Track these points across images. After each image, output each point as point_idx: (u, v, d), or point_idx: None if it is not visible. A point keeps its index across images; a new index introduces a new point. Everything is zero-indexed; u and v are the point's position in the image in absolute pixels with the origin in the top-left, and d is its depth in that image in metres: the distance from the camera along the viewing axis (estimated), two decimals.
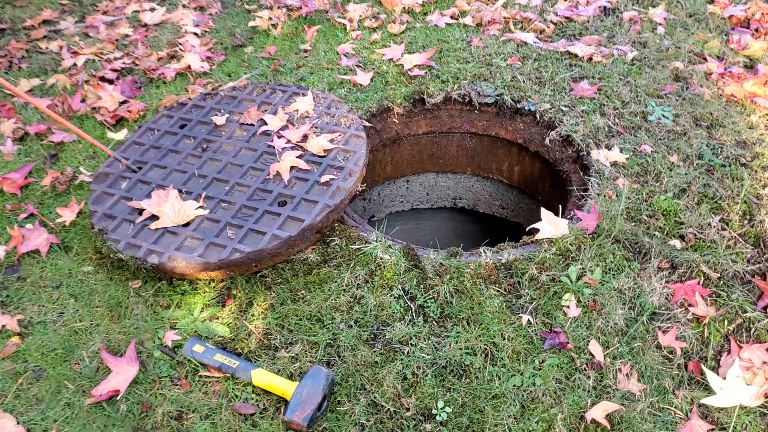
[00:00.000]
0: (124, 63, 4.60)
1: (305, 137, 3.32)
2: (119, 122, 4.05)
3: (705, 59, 4.37)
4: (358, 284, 2.90)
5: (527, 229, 3.10)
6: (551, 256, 2.96)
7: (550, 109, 3.81)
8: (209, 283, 3.00)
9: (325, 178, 3.07)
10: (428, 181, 4.43)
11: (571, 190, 3.43)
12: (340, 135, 3.33)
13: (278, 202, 3.03)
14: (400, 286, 2.88)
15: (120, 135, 3.84)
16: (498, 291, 2.86)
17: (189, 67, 4.41)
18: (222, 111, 3.62)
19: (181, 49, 4.72)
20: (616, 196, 3.25)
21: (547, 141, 3.70)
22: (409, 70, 4.11)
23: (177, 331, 2.85)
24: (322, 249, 3.06)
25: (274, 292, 2.92)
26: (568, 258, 2.96)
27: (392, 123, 3.90)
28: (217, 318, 2.88)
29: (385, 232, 4.85)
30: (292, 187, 3.09)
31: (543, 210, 3.10)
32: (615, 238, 3.04)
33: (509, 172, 4.18)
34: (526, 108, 3.81)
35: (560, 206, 3.76)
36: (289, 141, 3.31)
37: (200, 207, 3.04)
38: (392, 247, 3.03)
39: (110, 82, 4.38)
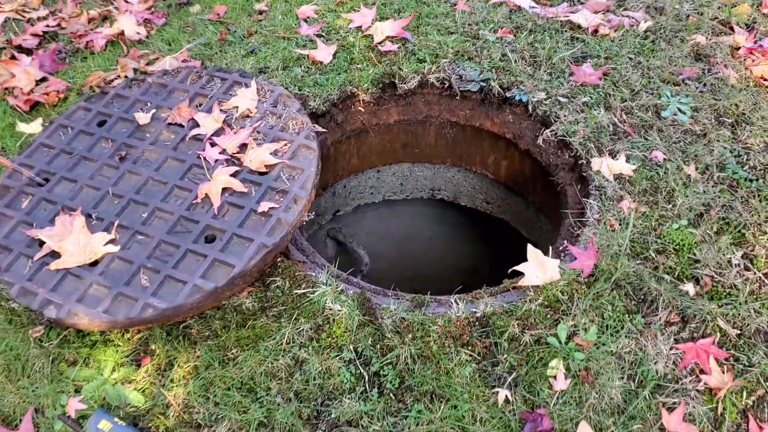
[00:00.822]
0: (48, 26, 3.91)
1: (243, 147, 2.71)
2: (34, 108, 3.41)
3: (732, 29, 3.69)
4: (302, 342, 2.39)
5: (509, 271, 2.56)
6: (537, 309, 2.43)
7: (546, 99, 3.18)
8: (123, 333, 2.48)
9: (264, 206, 2.50)
10: (402, 171, 3.85)
11: (564, 212, 2.86)
12: (286, 145, 2.72)
13: (205, 237, 2.47)
14: (351, 347, 2.37)
15: (33, 127, 3.22)
16: (470, 355, 2.35)
17: (122, 33, 3.72)
18: (149, 104, 2.99)
19: (115, 8, 4.00)
20: (620, 224, 2.69)
21: (540, 141, 3.09)
22: (380, 43, 3.44)
23: (83, 397, 2.35)
24: (261, 292, 2.53)
25: (199, 349, 2.40)
26: (558, 311, 2.43)
27: (357, 112, 3.27)
28: (131, 381, 2.38)
29: (353, 227, 4.31)
30: (223, 217, 2.51)
31: (529, 248, 2.55)
32: (616, 282, 2.51)
33: (495, 167, 3.59)
34: (517, 97, 3.18)
35: (548, 216, 3.21)
36: (223, 151, 2.71)
37: (111, 242, 2.47)
38: (345, 293, 2.49)
39: (29, 52, 3.70)
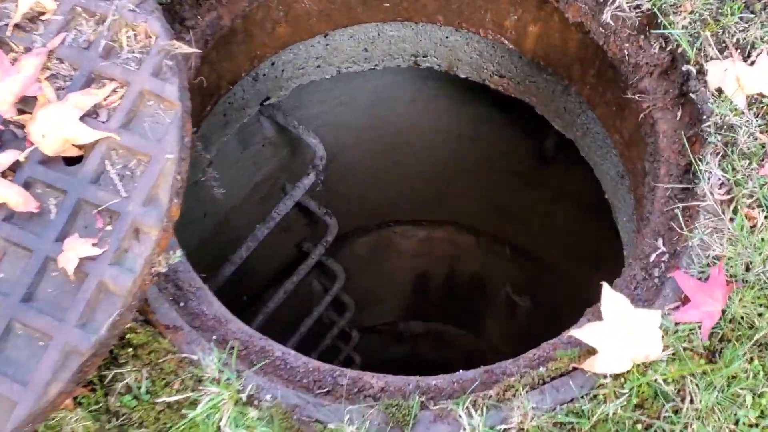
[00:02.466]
0: None
1: (29, 100, 1.33)
2: None
3: None
4: None
5: (569, 332, 1.37)
6: (621, 415, 1.30)
7: None
8: None
9: (71, 252, 1.21)
10: (366, 33, 2.39)
11: (652, 165, 1.58)
12: (116, 91, 1.34)
13: None
14: None
15: None
16: None
17: None
18: None
19: None
20: (766, 217, 1.44)
21: (606, 17, 1.68)
22: None
23: None
24: (98, 399, 1.36)
25: None
26: (660, 417, 1.31)
27: None
28: None
29: (297, 117, 2.92)
30: None
31: (605, 292, 1.33)
32: (762, 345, 1.35)
33: (518, 33, 2.17)
34: None
35: (602, 119, 1.94)
36: None
37: None
38: (258, 399, 1.32)
39: None
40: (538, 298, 4.38)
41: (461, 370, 1.40)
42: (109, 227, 1.26)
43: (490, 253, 4.24)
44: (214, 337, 1.40)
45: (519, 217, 3.82)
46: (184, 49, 1.38)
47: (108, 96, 1.35)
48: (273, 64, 2.37)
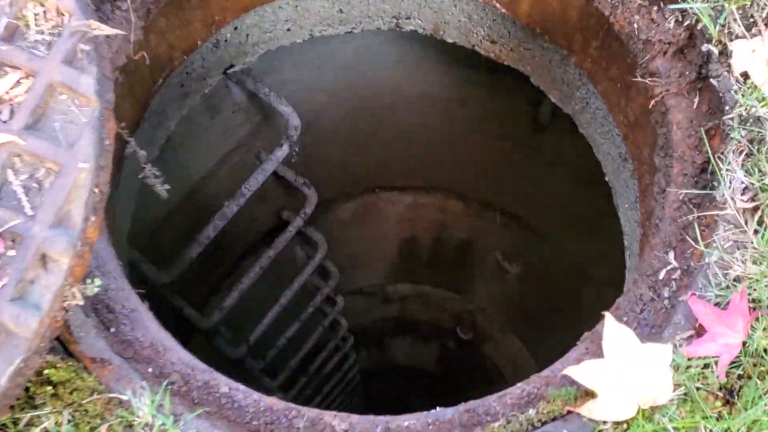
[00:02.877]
0: None
1: None
2: None
3: None
4: None
5: (564, 370, 1.17)
6: None
7: None
8: None
9: None
10: None
11: (664, 161, 1.37)
12: (21, 82, 1.11)
13: None
14: None
15: None
16: None
17: None
18: None
19: None
20: None
21: None
22: None
23: None
24: None
25: None
26: None
27: None
28: None
29: (272, 84, 2.65)
30: None
31: (608, 320, 1.13)
32: None
33: None
34: None
35: (605, 96, 1.74)
36: None
37: None
38: None
39: None
40: (529, 265, 4.21)
41: (438, 408, 1.21)
42: (11, 253, 1.04)
43: (479, 220, 4.04)
44: (150, 370, 1.20)
45: (510, 183, 3.60)
46: (104, 30, 1.13)
47: (11, 88, 1.11)
48: (236, 28, 2.10)
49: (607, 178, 2.17)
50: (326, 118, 3.18)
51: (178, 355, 1.23)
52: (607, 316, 1.15)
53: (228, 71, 2.25)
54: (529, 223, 3.85)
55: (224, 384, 1.21)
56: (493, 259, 4.38)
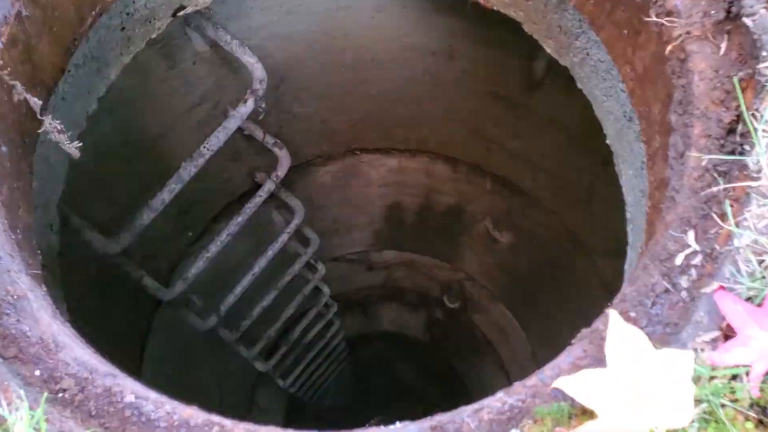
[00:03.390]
0: None
1: None
2: None
3: None
4: None
5: (555, 381, 0.93)
6: None
7: None
8: None
9: None
10: None
11: (681, 134, 1.11)
12: None
13: None
14: None
15: None
16: None
17: None
18: None
19: None
20: None
21: None
22: None
23: None
24: None
25: None
26: None
27: None
28: None
29: (239, 31, 2.35)
30: None
31: (612, 317, 0.88)
32: None
33: None
34: None
35: (611, 45, 1.49)
36: None
37: None
38: None
39: None
40: (521, 233, 3.98)
41: (399, 423, 0.97)
42: None
43: (468, 185, 3.78)
44: (38, 373, 0.96)
45: (502, 145, 3.34)
46: None
47: None
48: None
49: (608, 141, 1.91)
50: (302, 70, 2.89)
51: (73, 354, 0.99)
52: (613, 314, 0.91)
53: (179, 14, 1.96)
54: (521, 189, 3.60)
55: (130, 391, 0.96)
56: (482, 227, 4.15)
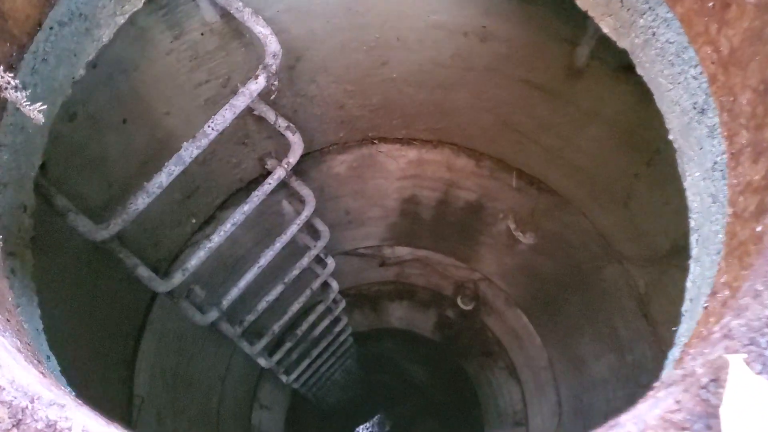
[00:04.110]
0: None
1: None
2: None
3: None
4: None
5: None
6: None
7: None
8: None
9: None
10: None
11: None
12: None
13: None
14: None
15: None
16: None
17: None
18: None
19: None
20: None
21: None
22: None
23: None
24: None
25: None
26: None
27: None
28: None
29: (251, 1, 2.10)
30: None
31: (735, 362, 0.63)
32: None
33: None
34: None
35: None
36: None
37: None
38: None
39: None
40: (546, 235, 3.72)
41: None
42: None
43: (492, 181, 3.53)
44: None
45: (534, 140, 3.08)
46: None
47: None
48: None
49: (671, 136, 1.65)
50: (319, 49, 2.65)
51: (11, 374, 0.75)
52: (736, 361, 0.66)
53: None
54: (550, 187, 3.35)
55: (81, 428, 0.73)
56: (504, 226, 3.90)
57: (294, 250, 3.66)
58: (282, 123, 2.51)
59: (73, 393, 1.15)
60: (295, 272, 3.59)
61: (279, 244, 3.15)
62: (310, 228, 3.60)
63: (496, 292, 5.01)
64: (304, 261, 3.60)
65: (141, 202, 2.00)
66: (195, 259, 2.63)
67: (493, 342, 5.79)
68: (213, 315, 3.04)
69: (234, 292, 3.12)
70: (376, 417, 8.61)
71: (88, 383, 2.52)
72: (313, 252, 3.60)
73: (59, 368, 1.24)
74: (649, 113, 2.44)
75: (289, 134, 2.55)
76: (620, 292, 3.37)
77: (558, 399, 4.73)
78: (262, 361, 4.07)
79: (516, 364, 5.65)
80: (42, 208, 1.95)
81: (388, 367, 7.89)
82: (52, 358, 1.26)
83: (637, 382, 3.38)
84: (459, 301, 5.22)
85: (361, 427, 8.65)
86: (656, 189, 2.74)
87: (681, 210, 2.69)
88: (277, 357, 4.29)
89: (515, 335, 5.28)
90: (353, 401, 7.85)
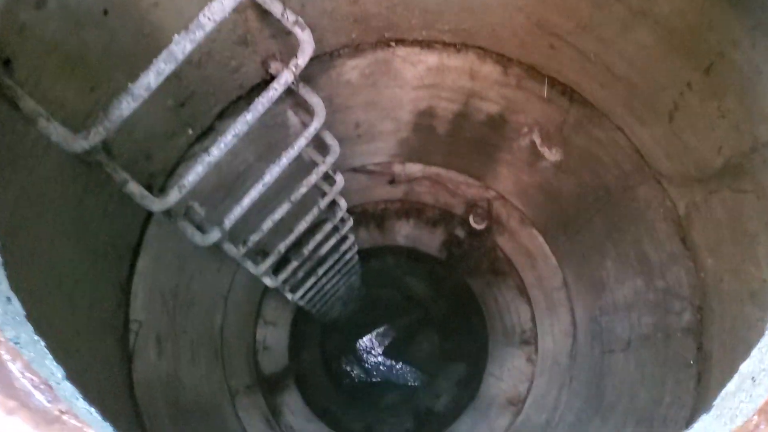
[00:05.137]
0: None
1: None
2: None
3: None
4: None
5: None
6: None
7: None
8: None
9: None
10: None
11: None
12: None
13: None
14: None
15: None
16: None
17: None
18: None
19: None
20: None
21: None
22: None
23: None
24: None
25: None
26: None
27: None
28: None
29: None
30: None
31: None
32: None
33: None
34: None
35: None
36: None
37: None
38: None
39: None
40: (573, 151, 3.43)
41: None
42: None
43: (518, 91, 3.20)
44: None
45: (570, 43, 2.74)
46: None
47: None
48: None
49: None
50: None
51: None
52: None
53: None
54: (584, 98, 3.02)
55: None
56: (527, 141, 3.59)
57: (300, 166, 3.37)
58: (290, 17, 2.16)
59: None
60: (303, 190, 3.32)
61: (285, 159, 2.86)
62: (318, 141, 3.29)
63: (511, 211, 4.77)
64: (312, 178, 3.31)
65: (126, 106, 1.69)
66: (193, 175, 2.35)
67: (503, 261, 5.61)
68: (215, 235, 2.79)
69: (237, 211, 2.86)
70: (382, 327, 8.61)
71: (76, 310, 2.29)
72: (322, 168, 3.31)
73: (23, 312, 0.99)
74: (716, 9, 2.09)
75: (297, 30, 2.20)
76: (654, 213, 3.10)
77: (573, 320, 4.58)
78: (268, 281, 3.87)
79: (526, 283, 5.50)
80: (10, 114, 1.65)
81: (392, 283, 7.80)
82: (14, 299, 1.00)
83: (666, 309, 3.17)
84: (471, 220, 4.98)
85: (365, 338, 8.67)
86: (712, 100, 2.42)
87: (741, 124, 2.37)
88: (282, 276, 4.09)
89: (528, 255, 5.08)
90: (356, 315, 7.84)
